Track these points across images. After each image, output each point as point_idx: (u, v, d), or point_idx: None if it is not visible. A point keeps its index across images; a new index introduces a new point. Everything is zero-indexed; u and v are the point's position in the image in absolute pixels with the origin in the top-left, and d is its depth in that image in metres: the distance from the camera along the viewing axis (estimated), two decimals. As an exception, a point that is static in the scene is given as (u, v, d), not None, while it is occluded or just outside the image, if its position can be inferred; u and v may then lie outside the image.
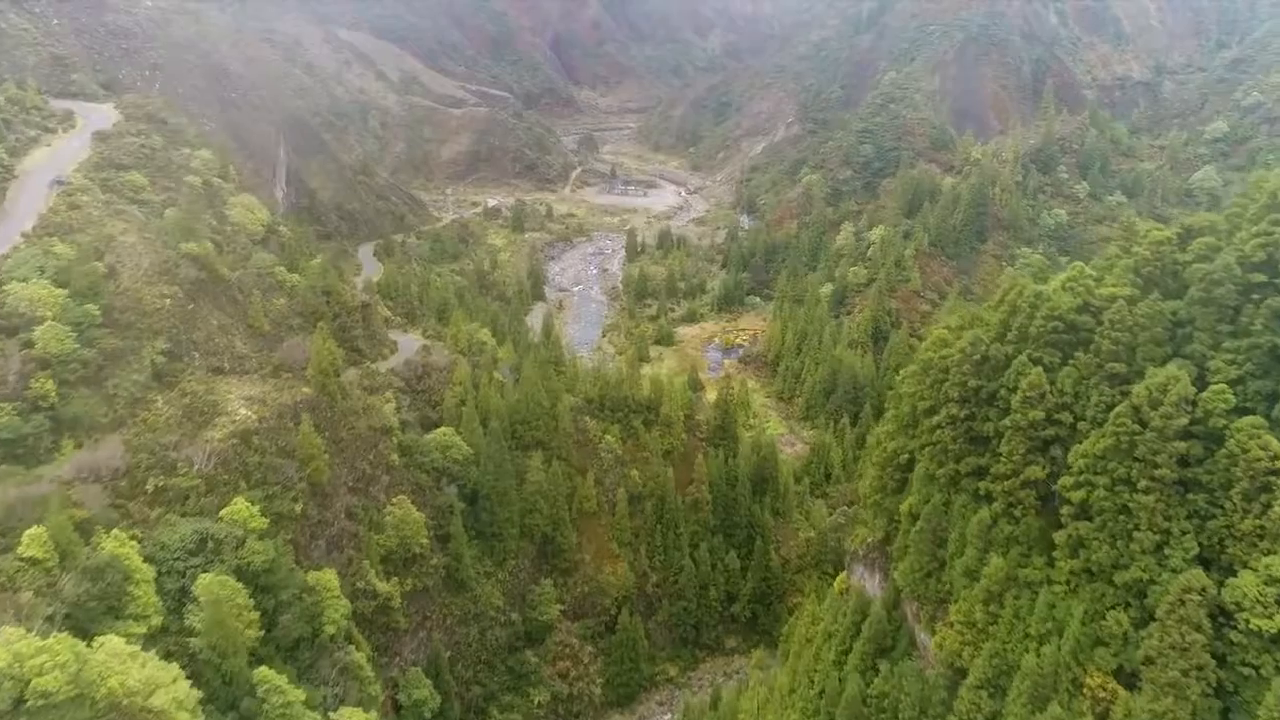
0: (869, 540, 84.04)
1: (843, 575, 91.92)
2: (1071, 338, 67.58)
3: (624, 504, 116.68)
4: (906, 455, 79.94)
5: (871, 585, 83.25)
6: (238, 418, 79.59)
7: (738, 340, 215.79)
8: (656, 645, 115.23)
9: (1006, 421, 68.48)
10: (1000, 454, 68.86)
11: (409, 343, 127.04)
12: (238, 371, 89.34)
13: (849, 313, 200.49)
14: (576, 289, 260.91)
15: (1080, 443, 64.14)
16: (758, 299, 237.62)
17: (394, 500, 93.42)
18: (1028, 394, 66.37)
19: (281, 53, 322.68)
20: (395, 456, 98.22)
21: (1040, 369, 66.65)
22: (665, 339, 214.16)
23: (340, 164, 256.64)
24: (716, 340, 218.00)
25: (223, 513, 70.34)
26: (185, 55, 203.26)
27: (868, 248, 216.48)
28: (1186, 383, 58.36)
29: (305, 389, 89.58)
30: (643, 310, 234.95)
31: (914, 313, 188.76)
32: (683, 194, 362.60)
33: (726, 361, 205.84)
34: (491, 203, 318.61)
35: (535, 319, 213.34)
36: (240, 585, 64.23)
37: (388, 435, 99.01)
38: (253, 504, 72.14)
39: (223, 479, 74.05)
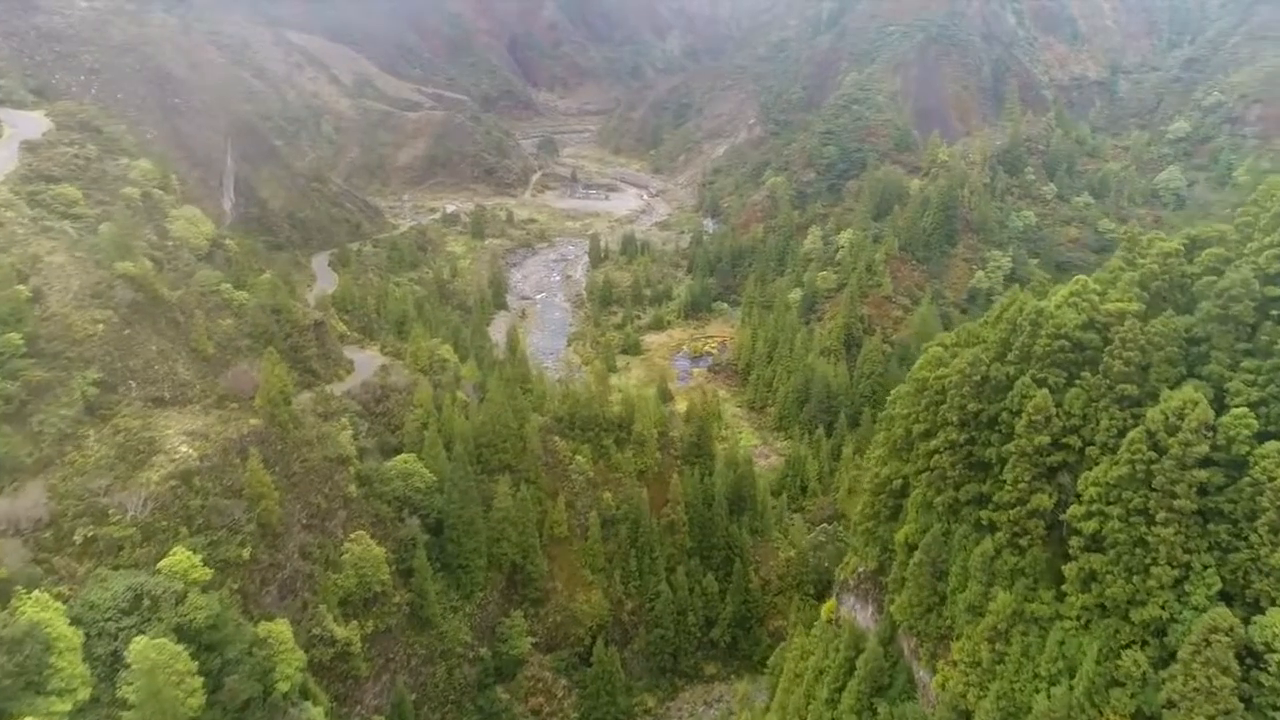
0: (860, 570, 79.51)
1: (830, 604, 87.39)
2: (1077, 357, 63.58)
3: (597, 528, 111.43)
4: (900, 481, 75.57)
5: (864, 617, 78.78)
6: (178, 456, 72.69)
7: (706, 348, 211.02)
8: (633, 675, 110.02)
9: (1010, 446, 64.39)
10: (1004, 481, 64.76)
11: (367, 361, 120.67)
12: (179, 401, 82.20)
13: (819, 319, 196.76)
14: (540, 297, 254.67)
15: (1090, 469, 60.24)
16: (725, 305, 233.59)
17: (352, 535, 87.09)
18: (1033, 417, 62.26)
19: (229, 56, 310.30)
20: (353, 488, 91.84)
21: (1046, 390, 62.62)
22: (632, 348, 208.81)
23: (292, 171, 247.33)
24: (685, 348, 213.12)
25: (161, 564, 63.52)
26: (124, 59, 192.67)
27: (836, 252, 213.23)
28: (1206, 406, 54.64)
29: (253, 420, 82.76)
30: (608, 318, 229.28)
31: (886, 319, 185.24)
32: (645, 197, 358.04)
33: (696, 370, 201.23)
34: (450, 208, 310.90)
35: (498, 329, 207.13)
36: (180, 648, 57.43)
37: (344, 465, 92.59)
38: (195, 553, 65.45)
39: (161, 526, 67.10)
